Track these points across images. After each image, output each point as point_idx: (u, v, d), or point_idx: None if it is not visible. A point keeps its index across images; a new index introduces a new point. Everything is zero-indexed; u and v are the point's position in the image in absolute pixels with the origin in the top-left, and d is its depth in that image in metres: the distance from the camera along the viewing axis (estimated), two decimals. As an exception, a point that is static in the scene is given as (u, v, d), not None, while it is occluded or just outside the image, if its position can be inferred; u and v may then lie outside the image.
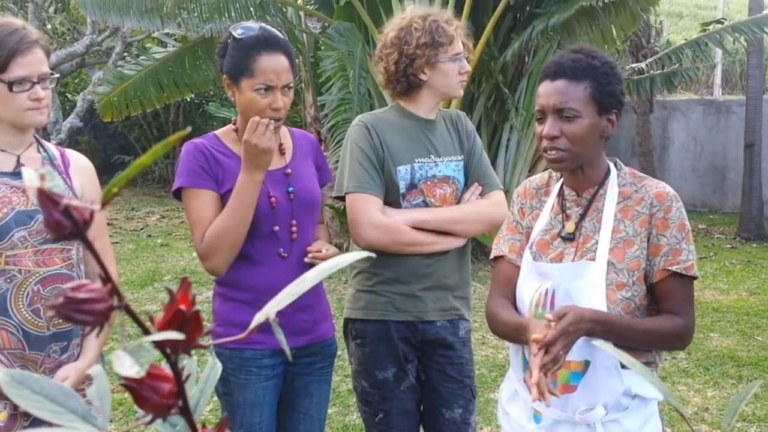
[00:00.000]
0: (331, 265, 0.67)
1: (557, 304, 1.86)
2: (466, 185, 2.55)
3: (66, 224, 0.53)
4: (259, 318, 0.64)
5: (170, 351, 0.62)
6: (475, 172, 2.56)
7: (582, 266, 1.86)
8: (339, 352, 2.53)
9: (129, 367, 0.53)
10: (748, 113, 9.64)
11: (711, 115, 11.55)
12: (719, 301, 6.62)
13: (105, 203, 0.52)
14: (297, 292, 0.65)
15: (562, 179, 2.01)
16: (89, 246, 0.55)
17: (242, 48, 2.25)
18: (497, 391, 2.13)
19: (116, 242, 8.76)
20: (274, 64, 2.24)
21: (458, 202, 2.53)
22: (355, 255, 0.70)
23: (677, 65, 8.01)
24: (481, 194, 2.53)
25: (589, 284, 1.83)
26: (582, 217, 1.92)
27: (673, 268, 1.83)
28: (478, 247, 6.91)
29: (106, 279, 0.58)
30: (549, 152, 1.87)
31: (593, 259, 1.86)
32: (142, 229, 9.94)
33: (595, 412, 1.82)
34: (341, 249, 7.73)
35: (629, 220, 1.88)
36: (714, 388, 4.62)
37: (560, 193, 2.00)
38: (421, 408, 2.59)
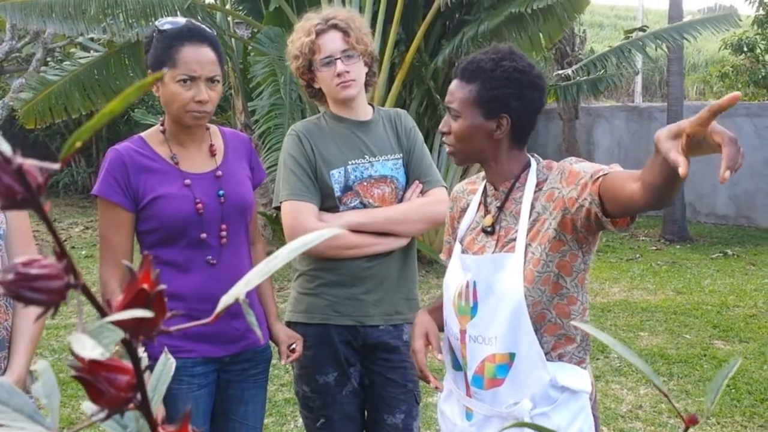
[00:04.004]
0: (306, 241, 0.62)
1: (479, 296, 1.86)
2: (408, 184, 2.51)
3: (18, 189, 0.48)
4: (226, 300, 0.59)
5: (130, 337, 0.56)
6: (415, 170, 2.51)
7: (500, 258, 1.86)
8: (274, 361, 2.47)
9: (92, 349, 0.47)
10: (669, 119, 9.88)
11: (634, 121, 11.85)
12: (647, 301, 6.77)
13: (66, 158, 0.46)
14: (268, 270, 0.61)
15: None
16: (42, 214, 0.49)
17: (165, 39, 2.17)
18: (437, 395, 2.11)
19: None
20: (197, 55, 2.16)
21: (400, 201, 2.49)
22: (329, 231, 0.66)
23: (602, 71, 8.18)
24: (422, 192, 2.49)
25: (508, 275, 1.82)
26: (500, 209, 1.93)
27: (601, 172, 1.71)
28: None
29: (62, 253, 0.53)
30: (444, 145, 1.98)
31: (513, 250, 1.85)
32: (65, 240, 9.65)
33: (521, 405, 1.80)
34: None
35: (539, 202, 1.87)
36: (646, 386, 4.69)
37: (484, 191, 2.02)
38: (365, 413, 2.55)
